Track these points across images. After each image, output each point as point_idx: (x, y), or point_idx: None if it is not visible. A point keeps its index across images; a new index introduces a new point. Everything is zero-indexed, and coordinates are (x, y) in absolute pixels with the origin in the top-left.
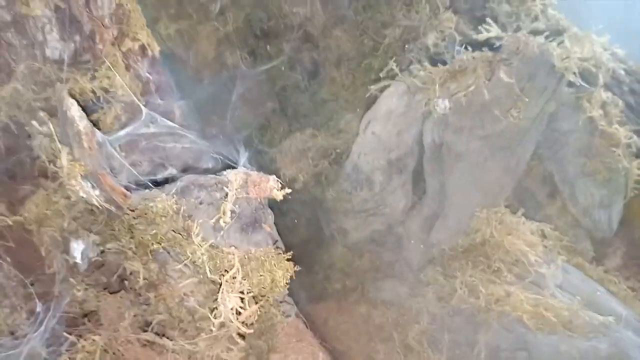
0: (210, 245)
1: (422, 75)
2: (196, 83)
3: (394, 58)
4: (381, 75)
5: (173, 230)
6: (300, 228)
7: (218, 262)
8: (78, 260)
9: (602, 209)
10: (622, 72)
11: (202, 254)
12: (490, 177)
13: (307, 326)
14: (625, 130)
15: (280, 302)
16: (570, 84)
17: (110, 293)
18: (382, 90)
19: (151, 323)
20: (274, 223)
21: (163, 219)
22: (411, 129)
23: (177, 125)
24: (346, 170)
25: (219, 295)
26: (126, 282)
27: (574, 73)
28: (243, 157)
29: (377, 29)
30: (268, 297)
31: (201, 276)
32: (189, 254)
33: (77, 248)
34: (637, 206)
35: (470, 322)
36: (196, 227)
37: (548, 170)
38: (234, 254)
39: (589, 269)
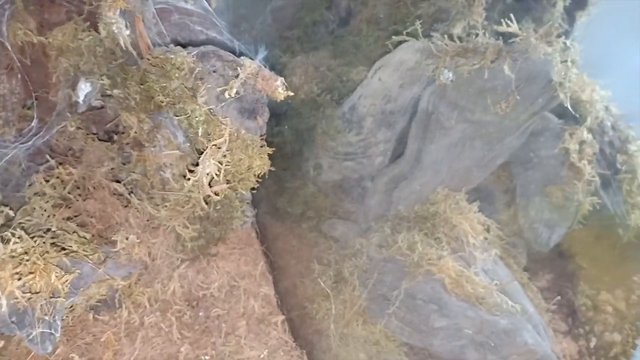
0: (209, 110)
1: (439, 44)
2: None
3: (420, 23)
4: (404, 32)
5: (182, 87)
6: (284, 148)
7: (211, 128)
8: (80, 100)
9: (546, 227)
10: (609, 124)
11: (200, 115)
12: (464, 162)
13: (257, 236)
14: (591, 169)
15: (244, 204)
16: (561, 115)
17: (99, 140)
18: (399, 44)
19: (125, 179)
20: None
21: (177, 73)
22: (413, 87)
23: (212, 11)
24: (343, 109)
25: (202, 157)
26: (115, 136)
27: (565, 94)
28: (261, 55)
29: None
30: (237, 184)
31: (185, 151)
32: (189, 112)
33: (84, 89)
34: (577, 240)
35: (400, 270)
36: (203, 89)
37: (513, 184)
38: (226, 125)
39: (516, 270)
